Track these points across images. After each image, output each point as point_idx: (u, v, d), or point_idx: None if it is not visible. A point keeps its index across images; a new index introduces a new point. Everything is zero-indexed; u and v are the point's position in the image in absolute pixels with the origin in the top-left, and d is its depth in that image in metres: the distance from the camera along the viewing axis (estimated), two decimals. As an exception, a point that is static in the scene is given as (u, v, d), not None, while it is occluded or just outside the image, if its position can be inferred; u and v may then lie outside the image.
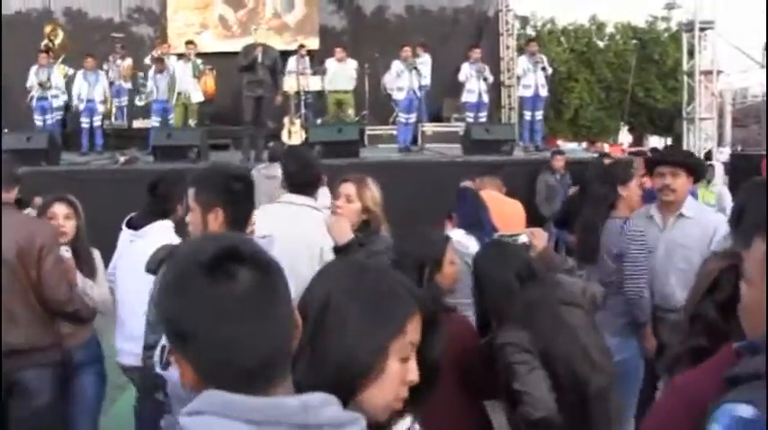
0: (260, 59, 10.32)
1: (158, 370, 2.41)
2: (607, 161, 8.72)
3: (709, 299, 1.76)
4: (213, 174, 2.71)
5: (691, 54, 14.74)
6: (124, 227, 3.71)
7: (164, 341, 2.39)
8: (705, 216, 4.13)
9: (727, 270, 1.74)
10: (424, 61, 12.92)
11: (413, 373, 1.29)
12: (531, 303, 2.72)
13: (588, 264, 4.01)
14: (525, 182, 10.53)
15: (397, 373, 1.26)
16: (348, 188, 3.57)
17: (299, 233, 3.30)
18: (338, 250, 3.20)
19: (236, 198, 2.59)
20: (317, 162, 3.73)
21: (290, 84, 12.06)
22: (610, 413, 2.78)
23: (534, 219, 10.04)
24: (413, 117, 12.26)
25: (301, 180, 3.50)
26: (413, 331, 1.30)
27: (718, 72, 16.69)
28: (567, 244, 7.97)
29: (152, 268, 2.54)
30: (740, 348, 1.38)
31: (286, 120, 11.69)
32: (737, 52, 16.61)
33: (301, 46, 13.56)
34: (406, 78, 12.02)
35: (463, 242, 4.06)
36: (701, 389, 1.49)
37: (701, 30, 14.33)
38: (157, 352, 2.43)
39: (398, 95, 12.28)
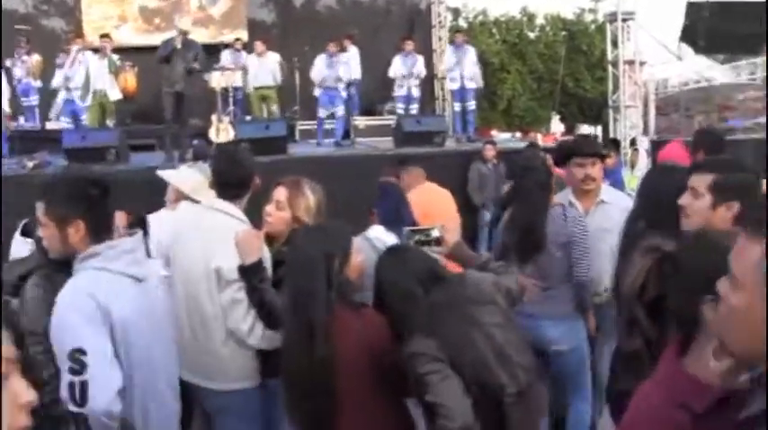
0: (179, 51, 9.70)
1: (72, 408, 2.24)
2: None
3: (638, 301, 1.67)
4: (66, 182, 2.47)
5: (615, 44, 15.01)
6: (17, 234, 3.51)
7: (70, 376, 2.25)
8: (620, 199, 4.36)
9: (652, 268, 1.65)
10: (352, 55, 12.87)
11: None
12: (436, 309, 2.61)
13: (529, 261, 3.96)
14: (458, 172, 10.62)
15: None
16: (279, 193, 3.38)
17: (199, 252, 3.10)
18: (243, 271, 3.04)
19: (96, 206, 2.39)
20: (250, 160, 3.42)
21: (216, 79, 11.70)
22: (531, 413, 2.72)
23: (466, 209, 10.19)
24: (339, 111, 12.18)
25: (231, 179, 3.26)
26: None
27: (641, 63, 17.06)
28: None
29: (10, 290, 2.39)
30: (752, 382, 1.25)
31: (214, 117, 11.31)
32: (658, 44, 17.02)
33: (237, 39, 13.28)
34: (328, 73, 11.97)
35: (383, 239, 4.00)
36: (660, 409, 1.44)
37: (624, 21, 14.61)
38: (65, 388, 2.26)
39: (317, 92, 12.28)
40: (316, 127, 12.76)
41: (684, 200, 2.65)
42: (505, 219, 4.13)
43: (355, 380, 2.59)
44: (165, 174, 3.97)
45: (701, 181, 2.61)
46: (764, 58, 26.72)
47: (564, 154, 4.36)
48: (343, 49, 12.79)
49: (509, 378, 2.58)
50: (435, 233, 3.17)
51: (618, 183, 9.09)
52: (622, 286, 1.73)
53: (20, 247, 3.14)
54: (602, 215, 4.14)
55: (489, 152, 10.56)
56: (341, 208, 6.00)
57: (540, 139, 18.54)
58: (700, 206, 2.60)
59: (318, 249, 2.68)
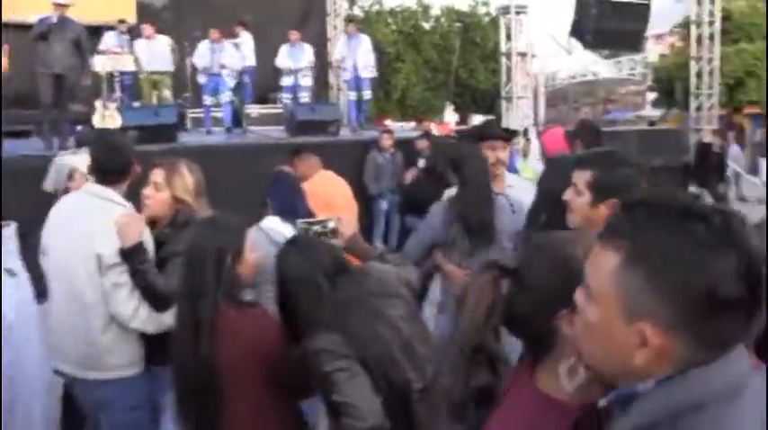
0: (55, 29, 8.79)
1: None
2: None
3: (486, 325, 1.47)
4: None
5: (508, 37, 15.34)
6: None
7: None
8: (522, 183, 4.54)
9: (491, 285, 1.48)
10: (245, 41, 12.62)
11: None
12: (342, 302, 2.51)
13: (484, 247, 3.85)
14: (354, 162, 10.58)
15: None
16: (157, 175, 3.29)
17: (79, 238, 3.01)
18: (124, 254, 2.96)
19: None
20: (129, 147, 3.36)
21: (101, 63, 11.11)
22: (437, 408, 2.52)
23: (363, 198, 10.19)
24: (225, 97, 11.91)
25: (109, 167, 3.16)
26: None
27: (533, 55, 17.56)
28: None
29: None
30: (611, 405, 1.16)
31: (98, 103, 10.71)
32: (548, 37, 17.54)
33: (121, 21, 12.63)
34: (210, 60, 11.71)
35: (279, 230, 3.92)
36: None
37: (517, 14, 14.95)
38: None
39: (202, 79, 11.95)
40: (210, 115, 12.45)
41: (567, 195, 2.62)
42: (446, 212, 3.93)
43: (241, 381, 2.52)
44: (68, 159, 3.84)
45: (581, 177, 2.56)
46: (644, 55, 28.07)
47: (476, 137, 4.37)
48: (233, 35, 12.52)
49: (416, 373, 2.50)
50: (331, 225, 3.11)
51: (512, 173, 9.31)
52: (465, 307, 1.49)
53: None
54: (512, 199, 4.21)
55: (387, 141, 10.57)
56: (233, 198, 5.89)
57: (433, 129, 18.81)
58: (580, 203, 2.55)
59: (209, 244, 2.59)
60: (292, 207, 4.01)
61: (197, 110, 13.22)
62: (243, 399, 2.53)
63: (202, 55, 11.82)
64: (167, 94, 12.30)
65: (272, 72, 13.96)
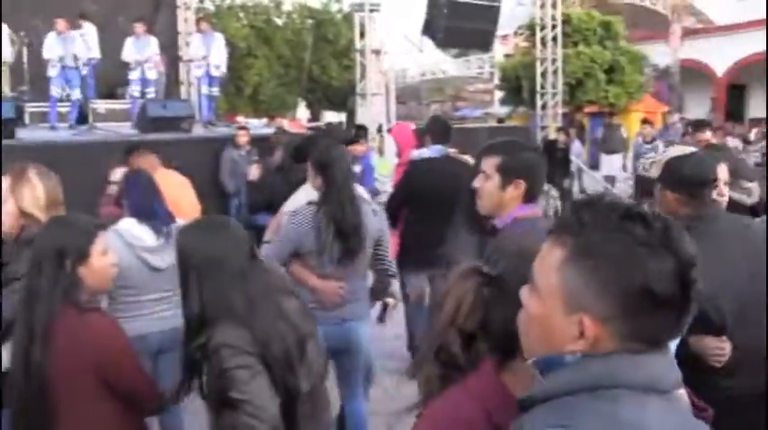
0: None
1: None
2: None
3: (454, 328, 1.51)
4: None
5: (362, 34, 15.45)
6: None
7: None
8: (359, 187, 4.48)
9: (473, 292, 1.51)
10: (88, 32, 11.96)
11: None
12: (253, 295, 2.39)
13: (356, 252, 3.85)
14: (207, 158, 10.32)
15: None
16: (1, 183, 3.00)
17: None
18: None
19: None
20: None
21: None
22: (318, 411, 2.62)
23: (218, 196, 9.94)
24: (76, 93, 11.30)
25: None
26: None
27: (385, 52, 17.81)
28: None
29: None
30: (535, 365, 1.23)
31: None
32: (398, 34, 17.85)
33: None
34: (63, 51, 11.08)
35: (135, 233, 3.72)
36: (468, 416, 1.37)
37: (370, 11, 15.09)
38: None
39: (52, 71, 11.31)
40: (48, 109, 11.68)
41: (477, 182, 2.74)
42: (315, 216, 3.74)
43: (78, 393, 2.38)
44: None
45: (489, 163, 2.71)
46: (491, 54, 29.16)
47: (344, 141, 4.34)
48: (75, 27, 11.85)
49: (305, 375, 2.46)
50: None
51: (369, 169, 9.37)
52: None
53: None
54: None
55: (243, 138, 10.37)
56: (79, 198, 5.53)
57: (286, 125, 18.68)
58: (490, 187, 2.69)
59: (50, 245, 2.44)
60: (149, 208, 3.83)
61: (36, 104, 12.39)
62: (80, 412, 2.38)
63: (51, 46, 11.14)
64: (5, 87, 11.48)
65: (119, 66, 13.33)
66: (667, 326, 1.16)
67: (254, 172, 9.18)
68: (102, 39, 12.40)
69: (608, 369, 1.13)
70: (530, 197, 2.68)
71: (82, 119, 11.72)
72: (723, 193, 3.29)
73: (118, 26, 13.65)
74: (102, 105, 12.97)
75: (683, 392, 1.37)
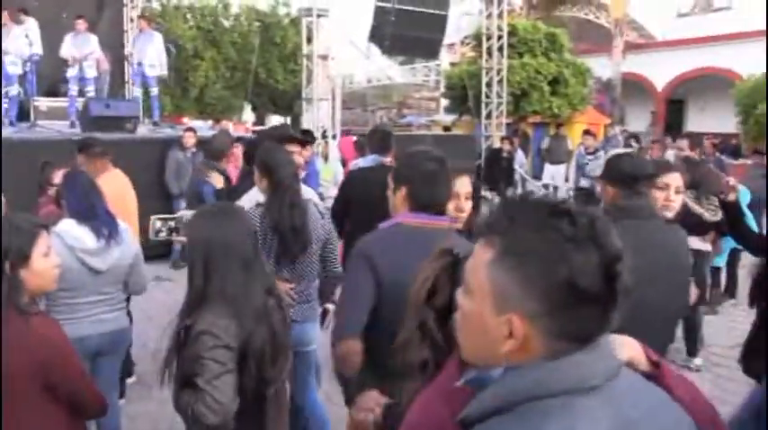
0: None
1: None
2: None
3: (428, 305, 1.57)
4: None
5: (309, 39, 15.44)
6: None
7: None
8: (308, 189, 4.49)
9: (442, 270, 1.58)
10: (30, 28, 11.69)
11: None
12: (250, 286, 2.47)
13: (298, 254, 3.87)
14: (153, 159, 10.20)
15: None
16: None
17: None
18: None
19: None
20: None
21: None
22: (281, 409, 2.69)
23: (163, 197, 9.82)
24: (13, 90, 11.03)
25: None
26: None
27: (332, 58, 17.81)
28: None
29: None
30: (467, 384, 1.24)
31: None
32: (346, 40, 17.90)
33: None
34: (5, 46, 10.83)
35: (75, 234, 3.67)
36: (437, 418, 1.36)
37: (318, 16, 15.08)
38: None
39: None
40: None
41: (388, 192, 2.91)
42: (263, 220, 3.71)
43: (19, 394, 2.35)
44: None
45: (390, 173, 2.94)
46: (438, 62, 29.42)
47: (277, 140, 4.33)
48: (17, 22, 11.57)
49: (275, 377, 2.56)
50: (185, 220, 2.98)
51: (313, 174, 9.37)
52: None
53: None
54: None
55: (190, 140, 10.25)
56: (20, 198, 5.42)
57: (231, 128, 18.54)
58: (389, 194, 2.88)
59: None
60: (90, 208, 3.78)
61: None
62: (22, 416, 2.35)
63: None
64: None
65: (62, 63, 13.07)
66: (594, 321, 1.15)
67: (217, 180, 8.97)
68: (46, 35, 12.13)
69: (528, 381, 1.14)
70: (416, 204, 2.76)
71: (22, 116, 11.43)
72: (670, 199, 3.43)
73: (61, 23, 13.37)
74: (44, 103, 12.68)
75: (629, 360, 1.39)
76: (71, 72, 12.17)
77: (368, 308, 2.59)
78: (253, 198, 4.07)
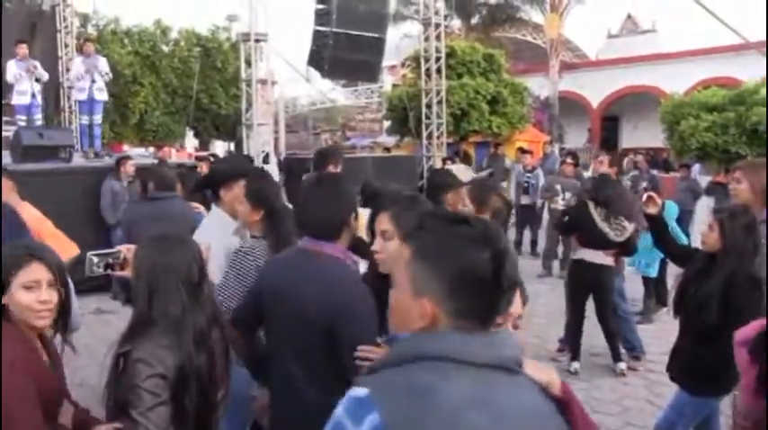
0: None
1: None
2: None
3: None
4: None
5: (248, 63, 15.43)
6: None
7: None
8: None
9: None
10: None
11: None
12: (188, 310, 2.46)
13: None
14: (88, 189, 10.03)
15: None
16: None
17: None
18: None
19: None
20: None
21: None
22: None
23: (99, 226, 9.66)
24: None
25: None
26: None
27: (273, 82, 17.82)
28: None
29: None
30: (385, 342, 1.60)
31: None
32: (288, 64, 17.91)
33: None
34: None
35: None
36: None
37: (257, 41, 15.09)
38: None
39: None
40: None
41: None
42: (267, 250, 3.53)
43: None
44: None
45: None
46: (380, 84, 29.68)
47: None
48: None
49: (219, 402, 2.58)
50: (122, 256, 2.94)
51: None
52: None
53: None
54: None
55: (128, 168, 10.07)
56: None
57: (174, 155, 18.37)
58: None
59: None
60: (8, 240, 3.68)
61: None
62: None
63: None
64: None
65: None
66: (486, 305, 1.45)
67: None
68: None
69: (417, 344, 1.45)
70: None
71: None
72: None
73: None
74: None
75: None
76: (21, 100, 11.82)
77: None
78: (218, 230, 3.89)
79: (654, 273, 8.08)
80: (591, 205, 6.34)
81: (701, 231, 3.94)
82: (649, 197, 4.42)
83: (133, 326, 2.47)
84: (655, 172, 13.92)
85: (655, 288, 8.32)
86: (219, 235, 3.76)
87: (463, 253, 1.43)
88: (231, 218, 3.95)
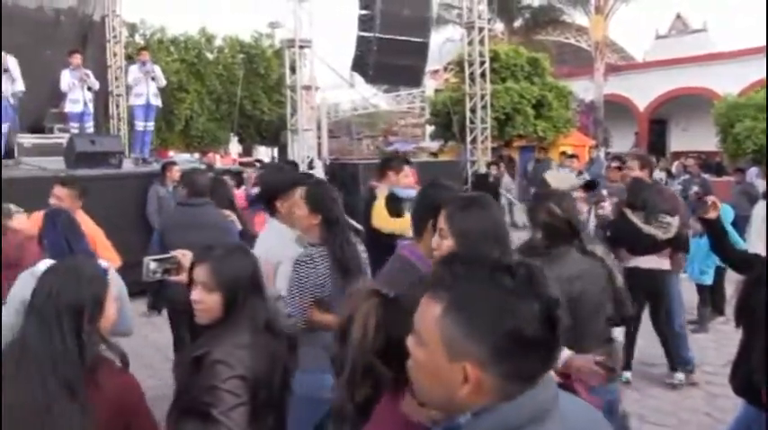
0: None
1: None
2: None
3: (372, 348, 1.63)
4: None
5: (293, 70, 15.52)
6: None
7: None
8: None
9: (374, 312, 1.65)
10: (11, 65, 11.64)
11: None
12: (268, 317, 2.55)
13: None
14: (137, 194, 10.17)
15: None
16: None
17: None
18: None
19: None
20: None
21: None
22: None
23: (147, 231, 9.76)
24: (5, 128, 10.97)
25: None
26: None
27: (316, 88, 17.90)
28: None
29: None
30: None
31: None
32: (330, 70, 18.00)
33: None
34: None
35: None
36: None
37: (301, 48, 15.18)
38: None
39: None
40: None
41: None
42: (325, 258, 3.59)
43: None
44: None
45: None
46: (422, 89, 29.63)
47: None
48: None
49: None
50: (177, 261, 2.98)
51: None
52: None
53: None
54: None
55: (175, 174, 10.16)
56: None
57: (218, 161, 18.56)
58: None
59: (65, 299, 2.30)
60: (69, 250, 3.70)
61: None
62: None
63: None
64: None
65: (45, 100, 13.04)
66: (540, 363, 1.27)
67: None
68: (30, 72, 12.09)
69: (498, 421, 1.24)
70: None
71: (9, 153, 11.35)
72: None
73: (44, 59, 13.40)
74: (28, 140, 12.64)
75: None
76: (74, 108, 12.07)
77: None
78: (274, 238, 3.95)
79: (709, 280, 7.85)
80: (628, 212, 6.12)
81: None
82: (712, 203, 4.26)
83: (216, 329, 2.52)
84: (706, 176, 13.58)
85: (710, 296, 8.10)
86: (282, 247, 3.79)
87: (510, 308, 1.23)
88: (289, 228, 3.96)
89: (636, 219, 6.01)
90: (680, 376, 6.33)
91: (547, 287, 1.27)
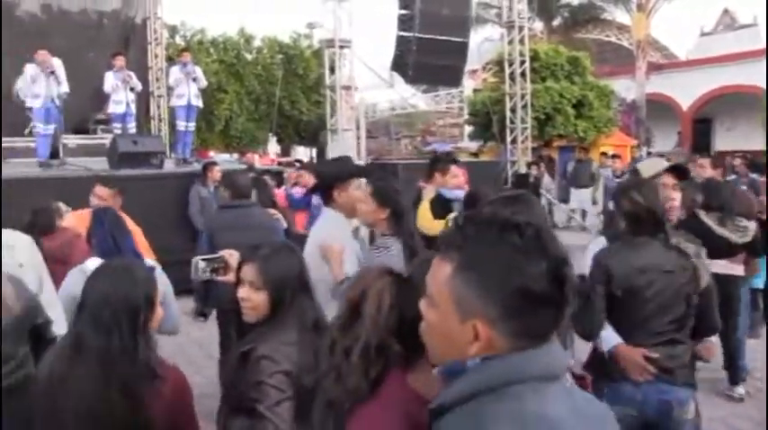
0: None
1: None
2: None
3: (386, 327, 1.63)
4: None
5: (332, 70, 15.53)
6: None
7: None
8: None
9: (388, 291, 1.66)
10: (56, 66, 11.81)
11: None
12: (305, 319, 2.54)
13: None
14: (178, 194, 10.24)
15: None
16: None
17: None
18: None
19: None
20: None
21: None
22: None
23: (190, 231, 9.83)
24: (51, 128, 11.13)
25: None
26: None
27: (355, 88, 17.91)
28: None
29: None
30: (441, 374, 1.35)
31: None
32: (368, 70, 17.99)
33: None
34: (42, 85, 10.88)
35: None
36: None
37: (340, 48, 15.19)
38: None
39: (35, 103, 11.08)
40: (17, 145, 11.52)
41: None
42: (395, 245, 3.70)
43: None
44: None
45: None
46: (461, 89, 29.50)
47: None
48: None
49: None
50: (225, 260, 3.01)
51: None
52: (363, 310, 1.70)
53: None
54: None
55: (216, 174, 10.22)
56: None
57: (257, 161, 18.67)
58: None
59: (121, 300, 2.33)
60: (115, 247, 3.73)
61: (8, 139, 12.20)
62: None
63: (34, 80, 10.89)
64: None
65: (88, 101, 13.21)
66: (549, 321, 1.29)
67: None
68: (74, 74, 12.26)
69: (505, 368, 1.26)
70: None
71: (53, 153, 11.53)
72: None
73: (88, 62, 13.57)
74: (73, 140, 12.84)
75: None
76: (117, 109, 12.22)
77: None
78: (333, 227, 3.95)
79: (761, 283, 7.61)
80: (701, 213, 5.74)
81: None
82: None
83: (263, 326, 2.55)
84: (755, 176, 13.23)
85: (764, 299, 7.85)
86: (340, 235, 3.84)
87: (519, 266, 1.25)
88: (346, 218, 4.01)
89: (710, 220, 5.62)
90: (740, 390, 6.08)
91: (555, 245, 1.29)
